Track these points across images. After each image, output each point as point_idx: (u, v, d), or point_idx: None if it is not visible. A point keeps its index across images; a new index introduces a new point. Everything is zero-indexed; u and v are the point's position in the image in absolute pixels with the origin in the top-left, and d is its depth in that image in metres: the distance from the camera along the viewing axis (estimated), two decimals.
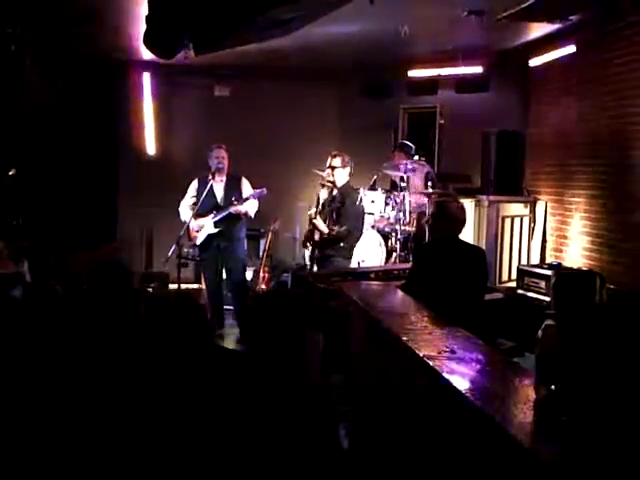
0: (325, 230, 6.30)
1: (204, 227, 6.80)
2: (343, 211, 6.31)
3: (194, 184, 6.96)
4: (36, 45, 6.64)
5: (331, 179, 6.45)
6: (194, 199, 6.88)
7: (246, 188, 6.93)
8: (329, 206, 6.44)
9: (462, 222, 4.59)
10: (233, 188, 6.88)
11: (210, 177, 6.75)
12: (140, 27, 4.57)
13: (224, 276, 7.13)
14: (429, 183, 7.67)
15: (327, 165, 6.49)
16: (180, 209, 6.94)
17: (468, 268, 4.42)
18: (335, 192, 6.46)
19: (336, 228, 6.24)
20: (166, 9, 4.01)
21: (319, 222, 6.35)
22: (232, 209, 6.72)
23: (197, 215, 6.75)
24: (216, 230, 6.78)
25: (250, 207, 6.83)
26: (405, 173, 7.35)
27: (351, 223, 6.29)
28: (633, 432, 2.09)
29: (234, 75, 9.19)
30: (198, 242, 6.90)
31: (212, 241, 6.86)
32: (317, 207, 6.50)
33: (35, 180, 8.08)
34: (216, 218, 6.76)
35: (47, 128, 8.17)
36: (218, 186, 6.86)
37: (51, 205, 8.27)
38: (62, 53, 7.88)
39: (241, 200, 6.74)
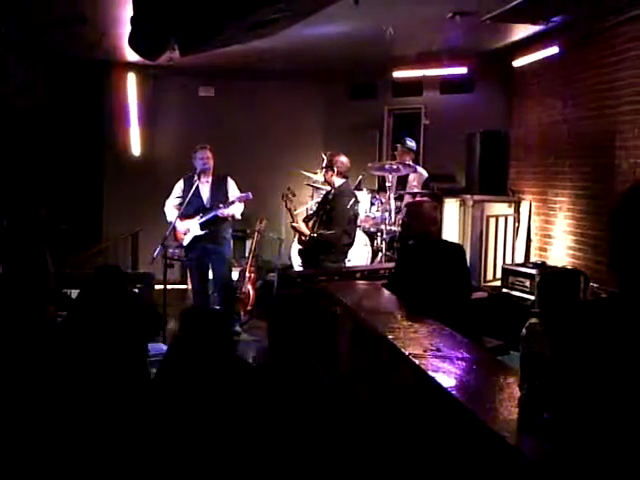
0: (306, 232, 6.22)
1: (190, 229, 6.79)
2: (333, 215, 6.10)
3: (179, 184, 6.93)
4: (21, 45, 6.60)
5: (328, 180, 6.25)
6: (179, 199, 6.85)
7: (232, 188, 6.92)
8: (321, 209, 6.35)
9: (435, 220, 4.70)
10: (219, 188, 6.87)
11: (196, 178, 6.73)
12: (125, 28, 4.57)
13: (210, 277, 7.12)
14: (414, 183, 7.73)
15: (325, 165, 6.27)
16: (165, 209, 6.91)
17: (450, 266, 4.46)
18: (330, 194, 6.31)
19: (322, 231, 6.06)
20: (151, 10, 4.00)
21: (300, 225, 6.33)
22: (218, 212, 6.71)
23: (183, 216, 6.72)
24: (202, 232, 6.77)
25: (236, 210, 6.82)
26: (390, 173, 7.37)
27: (340, 227, 6.05)
28: (617, 429, 2.11)
29: (219, 75, 9.18)
30: (185, 243, 6.88)
31: (198, 242, 6.83)
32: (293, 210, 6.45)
33: (19, 180, 8.03)
34: (202, 220, 6.74)
35: (32, 128, 8.13)
36: (204, 187, 6.84)
37: (36, 206, 8.22)
38: (47, 53, 7.84)
39: (227, 203, 6.73)
